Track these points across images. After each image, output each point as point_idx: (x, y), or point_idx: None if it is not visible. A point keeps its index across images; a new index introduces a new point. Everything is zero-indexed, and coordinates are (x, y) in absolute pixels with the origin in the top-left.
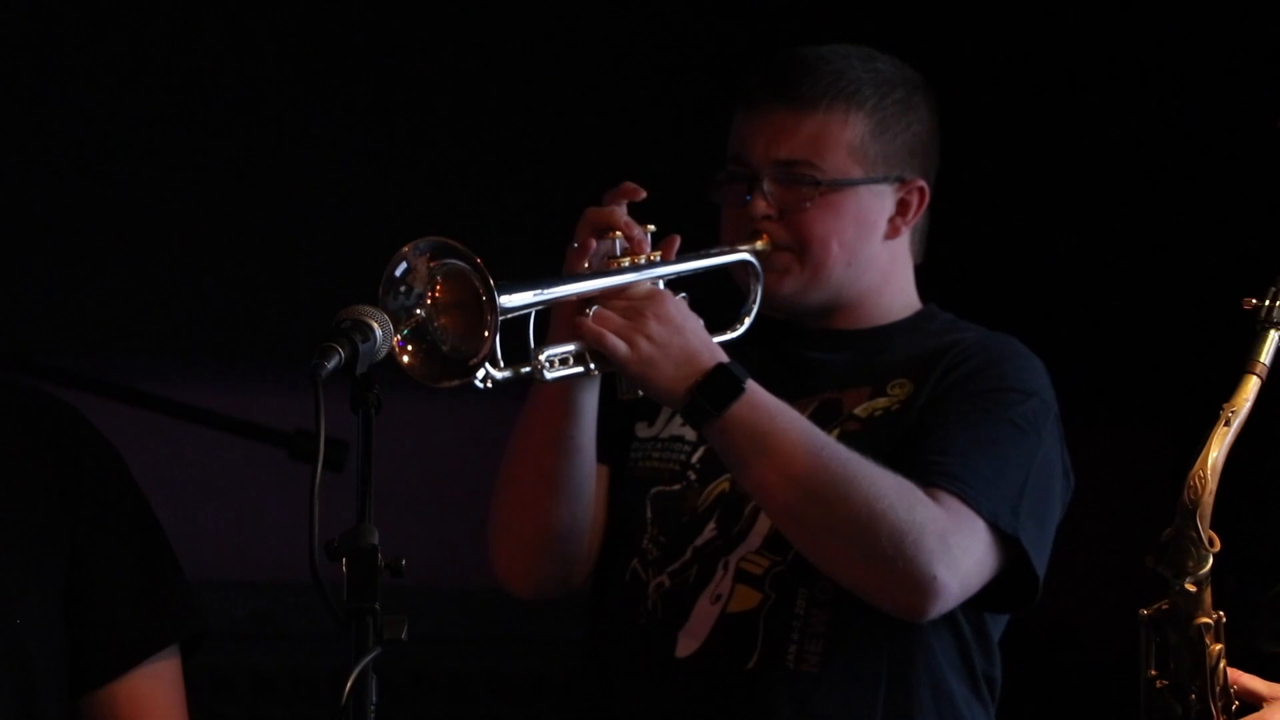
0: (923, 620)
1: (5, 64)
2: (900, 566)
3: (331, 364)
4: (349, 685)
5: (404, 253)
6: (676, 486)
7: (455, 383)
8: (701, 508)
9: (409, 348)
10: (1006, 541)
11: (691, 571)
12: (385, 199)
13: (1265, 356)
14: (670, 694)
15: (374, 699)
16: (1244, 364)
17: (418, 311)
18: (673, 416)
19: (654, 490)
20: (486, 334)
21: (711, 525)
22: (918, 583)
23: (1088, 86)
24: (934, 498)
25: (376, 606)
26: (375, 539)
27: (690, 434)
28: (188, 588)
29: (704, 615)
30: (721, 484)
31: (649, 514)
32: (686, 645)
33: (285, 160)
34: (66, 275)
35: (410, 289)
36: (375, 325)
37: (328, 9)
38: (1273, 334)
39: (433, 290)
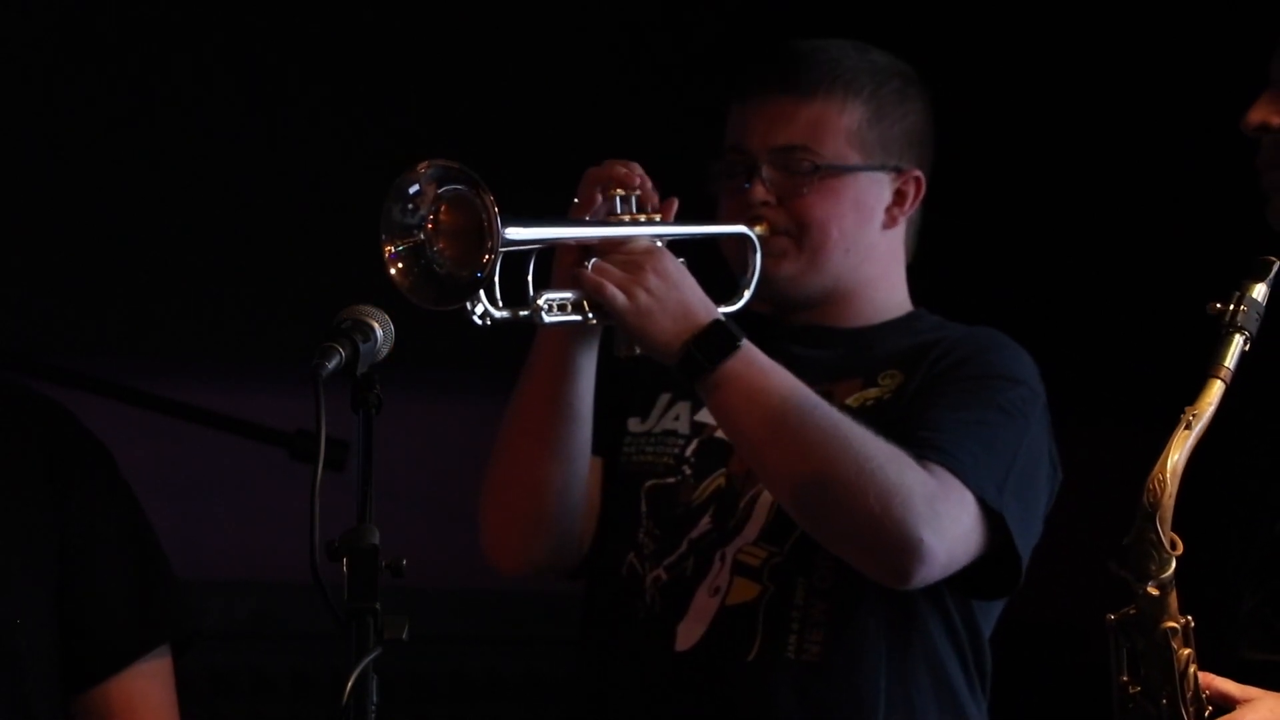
0: (907, 586)
1: (5, 65)
2: (887, 527)
3: (332, 364)
4: (349, 685)
5: (419, 172)
6: (671, 480)
7: (452, 305)
8: (696, 502)
9: (400, 265)
10: (992, 519)
11: (688, 564)
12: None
13: (1229, 361)
14: (671, 687)
15: (374, 699)
16: (1208, 368)
17: (417, 232)
18: (665, 411)
19: (648, 483)
20: (486, 258)
21: (706, 519)
22: (904, 544)
23: (1071, 88)
24: (925, 468)
25: (377, 606)
26: (375, 539)
27: (683, 428)
28: (179, 586)
29: (703, 608)
30: (718, 479)
31: (644, 507)
32: (686, 638)
33: (285, 161)
34: (66, 275)
35: (415, 209)
36: (376, 325)
37: (328, 11)
38: (1237, 338)
39: (436, 213)
